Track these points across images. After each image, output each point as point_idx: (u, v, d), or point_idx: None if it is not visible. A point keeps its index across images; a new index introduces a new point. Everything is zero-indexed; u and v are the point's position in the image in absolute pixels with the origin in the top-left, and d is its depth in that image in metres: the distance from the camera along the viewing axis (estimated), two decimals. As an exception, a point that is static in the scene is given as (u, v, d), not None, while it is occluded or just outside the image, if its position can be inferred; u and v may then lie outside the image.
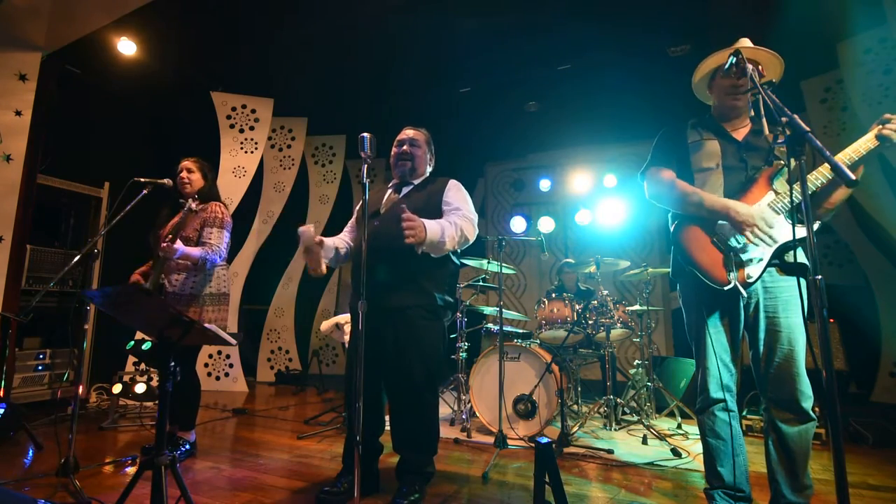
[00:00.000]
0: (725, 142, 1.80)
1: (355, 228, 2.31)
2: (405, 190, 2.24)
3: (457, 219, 2.02)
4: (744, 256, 1.66)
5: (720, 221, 1.71)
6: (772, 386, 1.67)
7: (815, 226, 1.65)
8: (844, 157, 1.58)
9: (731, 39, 1.82)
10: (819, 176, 1.61)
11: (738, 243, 1.67)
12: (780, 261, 1.68)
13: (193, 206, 2.53)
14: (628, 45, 3.96)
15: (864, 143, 1.58)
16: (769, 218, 1.64)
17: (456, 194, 2.16)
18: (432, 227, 1.89)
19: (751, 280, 1.65)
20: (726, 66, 1.68)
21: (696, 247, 1.74)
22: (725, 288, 1.65)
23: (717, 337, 1.74)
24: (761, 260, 1.65)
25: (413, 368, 2.02)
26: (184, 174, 2.67)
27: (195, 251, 2.47)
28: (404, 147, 2.24)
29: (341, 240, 2.26)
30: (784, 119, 1.26)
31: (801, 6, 3.27)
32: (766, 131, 1.35)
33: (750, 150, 1.77)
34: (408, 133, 2.29)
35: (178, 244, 2.38)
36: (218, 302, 2.61)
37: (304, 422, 3.50)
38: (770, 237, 1.63)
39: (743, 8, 3.42)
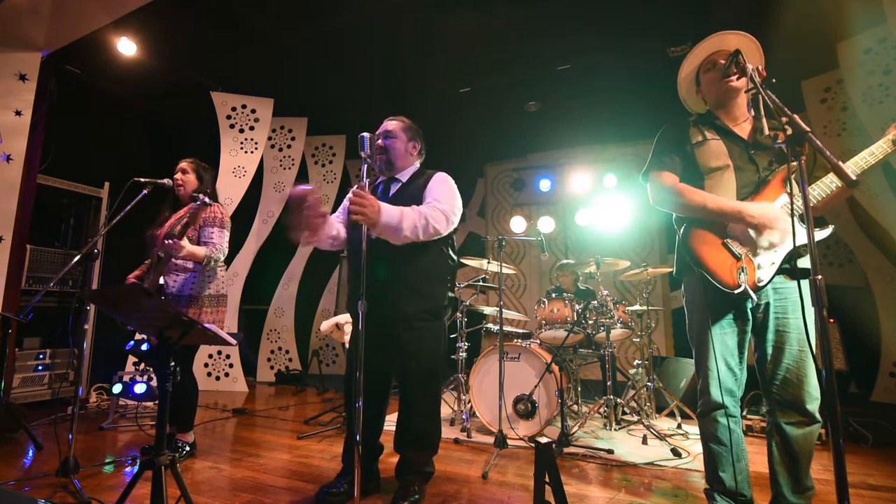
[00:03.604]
0: (731, 141, 1.76)
1: (345, 221, 2.21)
2: (393, 188, 2.14)
3: (426, 208, 1.91)
4: (755, 260, 1.64)
5: (732, 224, 1.68)
6: (778, 387, 1.64)
7: (828, 231, 1.63)
8: (858, 161, 1.56)
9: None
10: (835, 180, 1.59)
11: (751, 246, 1.65)
12: (790, 266, 1.65)
13: (207, 199, 2.44)
14: (628, 44, 3.96)
15: (880, 147, 1.55)
16: (783, 219, 1.61)
17: (438, 187, 2.05)
18: (389, 210, 1.80)
19: (761, 284, 1.62)
20: (725, 66, 1.66)
21: (706, 249, 1.71)
22: (736, 292, 1.62)
23: (722, 339, 1.71)
24: (773, 263, 1.62)
25: (414, 368, 2.02)
26: (178, 175, 2.66)
27: (200, 250, 2.46)
28: (378, 141, 2.14)
29: (337, 220, 2.20)
30: (784, 119, 1.25)
31: (801, 6, 3.27)
32: (766, 130, 1.34)
33: (758, 148, 1.73)
34: (384, 126, 2.21)
35: (185, 243, 2.36)
36: (216, 304, 2.60)
37: (304, 422, 3.50)
38: (783, 239, 1.61)
39: (743, 8, 3.42)
